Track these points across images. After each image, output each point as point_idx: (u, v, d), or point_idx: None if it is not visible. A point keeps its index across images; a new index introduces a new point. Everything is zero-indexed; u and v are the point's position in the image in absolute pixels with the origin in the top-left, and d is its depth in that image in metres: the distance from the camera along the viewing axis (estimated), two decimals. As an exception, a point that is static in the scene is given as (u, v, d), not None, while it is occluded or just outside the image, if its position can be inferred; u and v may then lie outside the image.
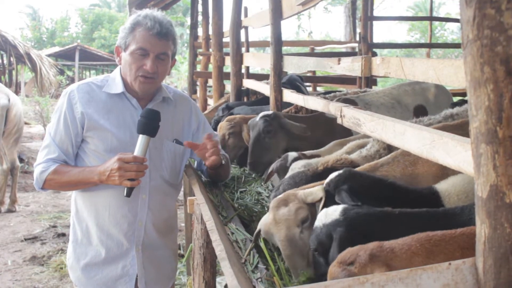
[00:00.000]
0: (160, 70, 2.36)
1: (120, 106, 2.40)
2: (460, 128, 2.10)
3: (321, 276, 1.62)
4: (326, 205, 1.82)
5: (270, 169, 2.88)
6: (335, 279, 1.37)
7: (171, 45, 2.38)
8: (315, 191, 1.90)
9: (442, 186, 1.82)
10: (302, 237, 1.85)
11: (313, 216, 1.85)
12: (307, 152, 2.86)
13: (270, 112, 3.43)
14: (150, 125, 2.25)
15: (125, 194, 2.22)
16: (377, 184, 1.87)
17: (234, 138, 3.67)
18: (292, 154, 2.83)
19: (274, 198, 2.12)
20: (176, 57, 2.62)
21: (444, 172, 1.90)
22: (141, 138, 2.23)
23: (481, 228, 1.14)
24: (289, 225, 1.86)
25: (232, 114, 4.30)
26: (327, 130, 3.35)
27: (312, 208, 1.90)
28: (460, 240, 1.34)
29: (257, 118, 3.34)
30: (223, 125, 3.72)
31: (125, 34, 2.35)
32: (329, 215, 1.63)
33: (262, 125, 3.26)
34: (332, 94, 4.54)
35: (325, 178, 2.14)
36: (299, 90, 5.06)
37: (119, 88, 2.41)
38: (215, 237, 1.85)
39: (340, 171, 1.92)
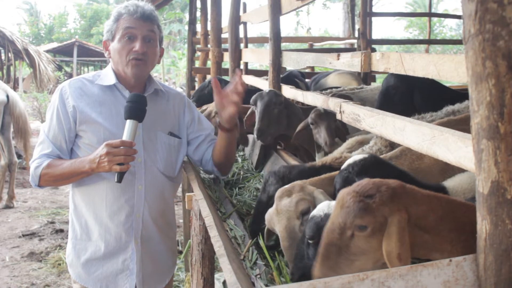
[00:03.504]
0: (150, 53, 2.39)
1: (112, 99, 2.42)
2: (464, 123, 2.10)
3: (303, 270, 1.59)
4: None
5: (299, 127, 3.04)
6: (347, 208, 1.30)
7: (156, 29, 2.42)
8: (324, 199, 1.86)
9: (450, 184, 1.84)
10: (301, 230, 1.83)
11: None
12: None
13: None
14: (136, 109, 2.25)
15: (116, 180, 2.21)
16: (398, 175, 1.84)
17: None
18: (319, 108, 2.98)
19: (272, 182, 2.14)
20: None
21: (450, 166, 1.90)
22: (128, 123, 2.23)
23: (482, 225, 1.13)
24: (290, 216, 1.84)
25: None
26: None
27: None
28: (475, 216, 1.25)
29: (267, 90, 3.42)
30: (213, 104, 3.70)
31: (110, 26, 2.41)
32: (331, 207, 1.59)
33: (274, 96, 3.34)
34: (328, 91, 4.53)
35: (321, 174, 2.14)
36: (297, 85, 5.05)
37: (111, 80, 2.43)
38: (213, 233, 1.84)
39: (365, 156, 1.88)
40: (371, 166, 1.82)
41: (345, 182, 1.82)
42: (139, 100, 2.27)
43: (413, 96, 3.80)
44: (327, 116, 2.95)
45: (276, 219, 1.88)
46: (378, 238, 1.28)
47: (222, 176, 2.81)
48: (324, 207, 1.62)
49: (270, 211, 1.93)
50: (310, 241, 1.60)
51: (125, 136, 2.21)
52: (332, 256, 1.32)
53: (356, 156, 1.89)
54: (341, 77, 6.13)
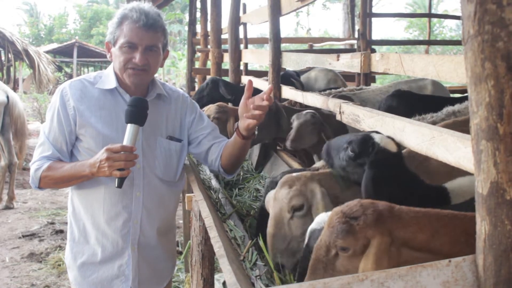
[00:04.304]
0: (152, 62, 2.32)
1: (113, 103, 2.37)
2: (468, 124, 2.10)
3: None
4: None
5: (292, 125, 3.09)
6: (332, 228, 1.33)
7: (160, 36, 2.34)
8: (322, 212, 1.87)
9: (450, 186, 1.86)
10: (290, 223, 1.90)
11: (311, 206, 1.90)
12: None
13: None
14: (137, 113, 2.20)
15: (116, 185, 2.17)
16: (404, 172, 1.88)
17: (217, 124, 3.63)
18: (309, 110, 3.05)
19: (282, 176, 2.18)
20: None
21: (457, 169, 1.92)
22: (129, 128, 2.18)
23: (482, 225, 1.13)
24: (282, 208, 1.90)
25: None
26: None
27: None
28: (468, 225, 1.27)
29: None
30: (212, 107, 3.67)
31: (113, 29, 2.32)
32: None
33: None
34: (327, 92, 4.52)
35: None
36: (293, 85, 5.05)
37: (112, 83, 2.37)
38: (213, 234, 1.84)
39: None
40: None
41: None
42: (140, 104, 2.22)
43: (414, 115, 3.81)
44: (304, 117, 3.02)
45: (271, 203, 1.95)
46: (361, 259, 1.30)
47: (228, 176, 2.71)
48: (322, 219, 1.61)
49: (270, 194, 1.99)
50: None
51: (126, 141, 2.16)
52: (319, 272, 1.35)
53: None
54: (327, 73, 6.13)
